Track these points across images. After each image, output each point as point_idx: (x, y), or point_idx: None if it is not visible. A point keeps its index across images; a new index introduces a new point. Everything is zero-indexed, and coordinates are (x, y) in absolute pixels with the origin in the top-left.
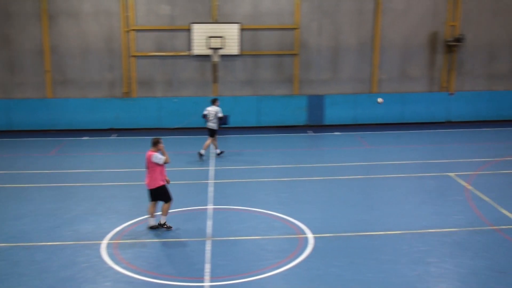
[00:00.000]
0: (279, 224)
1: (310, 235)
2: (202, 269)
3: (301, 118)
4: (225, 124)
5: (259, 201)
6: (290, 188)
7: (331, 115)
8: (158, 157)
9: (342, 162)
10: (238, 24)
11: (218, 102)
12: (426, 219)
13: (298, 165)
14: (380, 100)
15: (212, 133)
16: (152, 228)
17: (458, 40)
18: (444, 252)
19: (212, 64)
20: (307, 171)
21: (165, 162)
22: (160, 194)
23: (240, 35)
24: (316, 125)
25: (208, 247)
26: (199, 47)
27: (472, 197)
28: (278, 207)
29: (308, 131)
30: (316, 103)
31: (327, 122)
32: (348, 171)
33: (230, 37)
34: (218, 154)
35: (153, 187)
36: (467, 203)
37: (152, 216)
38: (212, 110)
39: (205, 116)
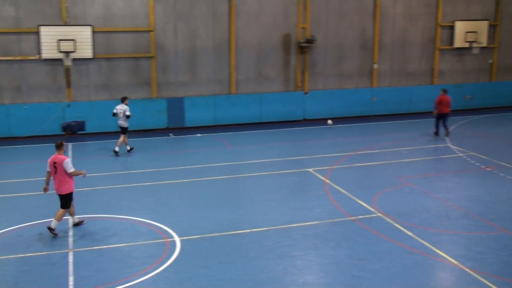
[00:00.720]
0: (145, 230)
1: (177, 238)
2: (65, 283)
3: (161, 121)
4: (82, 130)
5: (122, 207)
6: (154, 192)
7: (192, 117)
8: (69, 166)
9: (205, 164)
10: (90, 27)
11: (127, 101)
12: (289, 214)
13: (161, 169)
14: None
15: (123, 130)
16: (77, 224)
17: (310, 41)
18: (307, 245)
19: (64, 68)
20: (171, 174)
21: (76, 174)
22: (64, 199)
23: (93, 38)
24: (177, 127)
25: (71, 258)
26: (49, 51)
27: (330, 191)
28: (143, 212)
29: (169, 134)
30: (176, 105)
31: (188, 124)
32: (212, 172)
33: (82, 40)
34: (129, 151)
35: (64, 192)
36: (326, 197)
37: (73, 215)
38: (120, 108)
39: (114, 115)
